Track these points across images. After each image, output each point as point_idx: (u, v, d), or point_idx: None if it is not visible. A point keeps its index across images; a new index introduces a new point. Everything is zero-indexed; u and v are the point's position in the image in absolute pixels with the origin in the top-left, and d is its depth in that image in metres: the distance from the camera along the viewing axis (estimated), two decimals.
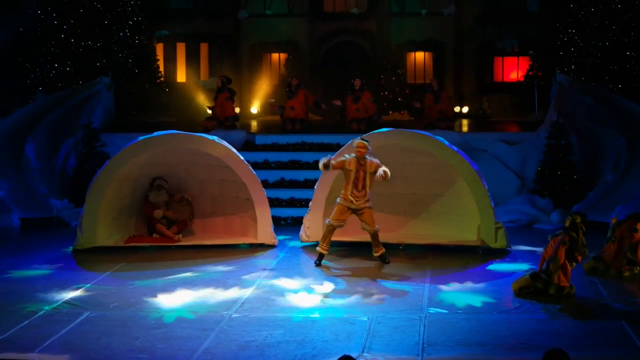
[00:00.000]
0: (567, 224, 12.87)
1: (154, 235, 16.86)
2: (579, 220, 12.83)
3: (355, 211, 14.95)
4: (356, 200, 14.83)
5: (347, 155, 14.98)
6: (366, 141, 14.92)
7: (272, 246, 16.58)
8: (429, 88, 23.01)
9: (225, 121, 22.53)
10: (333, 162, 14.91)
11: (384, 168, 14.69)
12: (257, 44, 29.75)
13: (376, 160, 14.84)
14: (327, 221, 15.20)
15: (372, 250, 15.17)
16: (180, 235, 16.84)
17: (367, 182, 14.80)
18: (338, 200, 15.05)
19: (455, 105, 25.19)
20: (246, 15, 29.79)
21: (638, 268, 14.07)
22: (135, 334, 11.01)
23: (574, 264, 12.83)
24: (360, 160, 14.80)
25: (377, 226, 15.03)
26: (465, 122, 25.98)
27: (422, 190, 17.14)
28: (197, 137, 16.76)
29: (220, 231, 17.42)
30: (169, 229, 16.81)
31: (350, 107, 22.46)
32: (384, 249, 15.18)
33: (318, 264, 14.97)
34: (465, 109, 27.53)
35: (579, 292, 12.82)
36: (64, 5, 24.79)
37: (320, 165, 14.97)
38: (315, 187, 16.64)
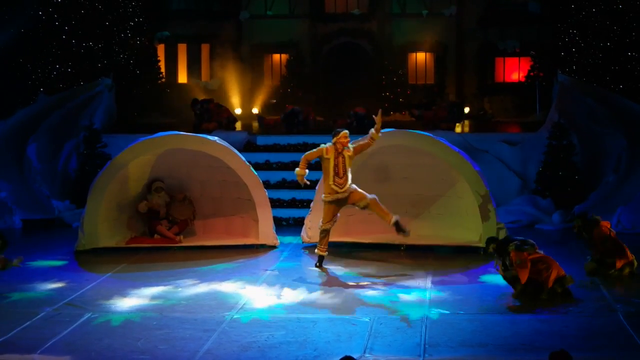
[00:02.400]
0: (496, 257, 13.03)
1: (155, 236, 16.86)
2: (492, 247, 13.06)
3: (343, 201, 14.72)
4: (340, 188, 14.59)
5: (322, 145, 14.80)
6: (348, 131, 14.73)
7: (273, 247, 16.58)
8: (442, 103, 23.05)
9: (226, 123, 22.61)
10: (306, 159, 14.78)
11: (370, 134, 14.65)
12: (259, 45, 29.72)
13: (352, 145, 14.73)
14: (319, 225, 15.07)
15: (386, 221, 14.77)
16: (182, 237, 16.83)
17: (348, 167, 14.58)
18: (322, 197, 14.84)
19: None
20: (247, 16, 29.77)
21: (636, 264, 14.08)
22: (137, 335, 11.02)
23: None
24: (339, 149, 14.60)
25: (372, 195, 14.68)
26: (466, 122, 25.96)
27: (423, 191, 17.13)
28: (198, 138, 16.76)
29: (222, 232, 17.42)
30: (170, 229, 16.81)
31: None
32: (392, 216, 14.69)
33: (319, 265, 14.95)
34: (466, 110, 27.52)
35: (580, 293, 12.81)
36: (65, 6, 24.77)
37: (298, 175, 14.80)
38: (316, 188, 16.62)
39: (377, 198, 14.72)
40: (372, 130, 14.72)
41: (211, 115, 22.82)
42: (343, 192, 14.61)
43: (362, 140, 14.90)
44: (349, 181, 14.64)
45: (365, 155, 16.43)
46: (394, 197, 17.13)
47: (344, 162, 14.59)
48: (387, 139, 16.43)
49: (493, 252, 13.08)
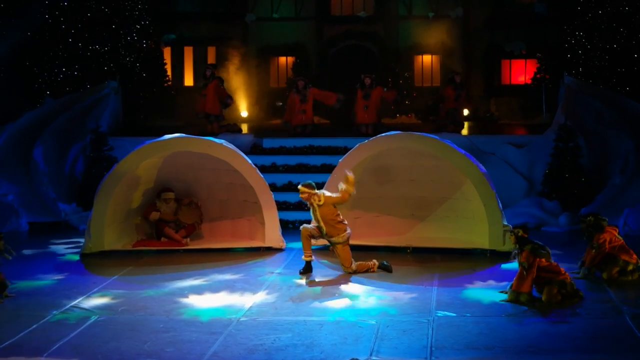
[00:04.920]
0: (512, 241, 12.95)
1: (162, 239, 16.87)
2: (520, 233, 12.88)
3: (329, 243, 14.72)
4: (321, 230, 14.52)
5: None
6: (304, 186, 14.52)
7: (279, 250, 16.58)
8: (451, 82, 22.94)
9: (215, 109, 22.62)
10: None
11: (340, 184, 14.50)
12: (265, 47, 29.77)
13: (323, 191, 14.54)
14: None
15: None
16: (189, 239, 16.84)
17: (318, 216, 14.36)
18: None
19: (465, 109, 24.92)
20: (253, 18, 29.81)
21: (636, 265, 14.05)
22: (144, 338, 11.04)
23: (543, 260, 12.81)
24: (309, 200, 14.49)
25: (352, 266, 14.48)
26: (469, 124, 25.98)
27: (429, 194, 17.13)
28: (204, 141, 16.77)
29: (228, 235, 17.43)
30: (177, 233, 16.82)
31: (359, 105, 22.33)
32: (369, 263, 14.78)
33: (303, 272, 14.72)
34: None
35: (587, 295, 12.80)
36: (71, 9, 24.82)
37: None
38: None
39: (357, 272, 14.53)
40: (342, 186, 14.46)
41: (204, 86, 22.89)
42: (324, 236, 14.59)
43: (336, 194, 14.54)
44: (324, 231, 14.45)
45: (370, 157, 16.46)
46: (400, 199, 17.16)
47: (314, 212, 14.48)
48: (393, 141, 16.46)
49: (515, 240, 12.96)
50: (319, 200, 14.39)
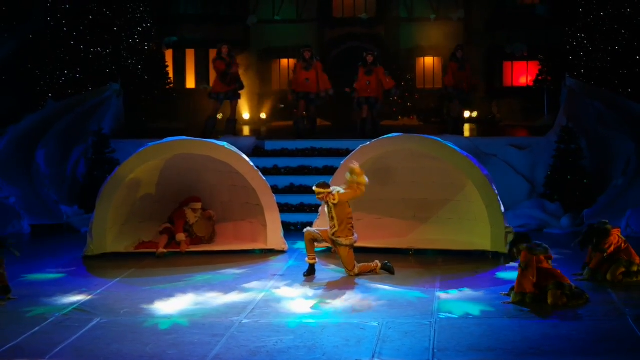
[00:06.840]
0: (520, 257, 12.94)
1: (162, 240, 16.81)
2: (524, 248, 12.87)
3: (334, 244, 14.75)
4: (330, 229, 14.62)
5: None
6: (319, 186, 14.62)
7: (281, 252, 16.58)
8: (453, 57, 22.87)
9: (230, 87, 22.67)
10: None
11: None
12: (266, 49, 29.78)
13: (337, 189, 14.58)
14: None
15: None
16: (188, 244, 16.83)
17: (334, 214, 14.46)
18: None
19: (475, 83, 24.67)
20: (255, 21, 29.82)
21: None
22: (146, 340, 11.04)
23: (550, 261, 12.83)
24: (325, 200, 14.59)
25: (355, 270, 14.54)
26: (474, 126, 25.98)
27: (431, 195, 17.12)
28: (206, 143, 16.77)
29: (230, 237, 17.42)
30: (185, 239, 16.74)
31: (362, 80, 22.18)
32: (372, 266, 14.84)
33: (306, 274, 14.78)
34: (474, 114, 27.55)
35: (589, 296, 12.79)
36: (73, 12, 24.84)
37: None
38: None
39: (358, 275, 14.57)
40: (348, 176, 14.53)
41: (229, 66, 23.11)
42: (330, 234, 14.62)
43: (347, 190, 14.58)
44: (336, 228, 14.50)
45: (372, 159, 16.45)
46: (402, 201, 17.15)
47: (330, 209, 14.58)
48: (395, 143, 16.46)
49: (513, 247, 12.99)
50: (334, 200, 14.44)
